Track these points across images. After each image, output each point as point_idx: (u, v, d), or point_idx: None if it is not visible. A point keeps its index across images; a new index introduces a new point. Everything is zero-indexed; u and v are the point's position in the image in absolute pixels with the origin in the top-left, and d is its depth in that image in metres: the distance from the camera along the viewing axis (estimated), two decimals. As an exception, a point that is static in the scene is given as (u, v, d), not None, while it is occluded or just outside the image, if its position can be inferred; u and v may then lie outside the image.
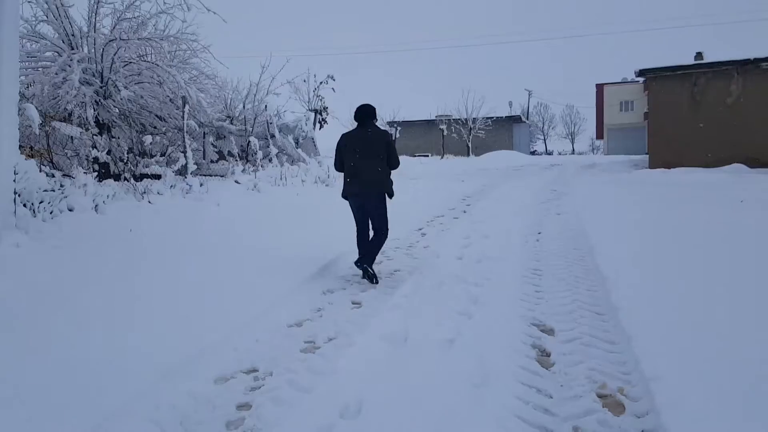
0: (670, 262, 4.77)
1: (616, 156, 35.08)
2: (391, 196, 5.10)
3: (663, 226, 6.61)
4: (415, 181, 14.78)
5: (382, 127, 5.14)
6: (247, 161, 9.31)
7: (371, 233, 5.07)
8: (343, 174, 5.08)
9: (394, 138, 23.71)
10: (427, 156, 34.34)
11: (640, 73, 17.42)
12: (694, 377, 2.58)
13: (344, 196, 5.11)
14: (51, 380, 2.71)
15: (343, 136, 5.16)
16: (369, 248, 4.98)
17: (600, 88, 40.85)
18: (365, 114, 5.07)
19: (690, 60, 18.37)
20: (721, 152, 15.71)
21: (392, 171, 5.08)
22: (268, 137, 9.91)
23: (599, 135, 43.45)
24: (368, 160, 4.93)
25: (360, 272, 4.97)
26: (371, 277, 4.83)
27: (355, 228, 5.13)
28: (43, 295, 3.70)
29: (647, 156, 18.76)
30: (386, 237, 5.08)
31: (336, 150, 5.12)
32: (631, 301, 3.73)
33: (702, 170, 14.85)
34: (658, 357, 2.82)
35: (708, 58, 18.06)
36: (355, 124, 5.19)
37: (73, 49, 6.83)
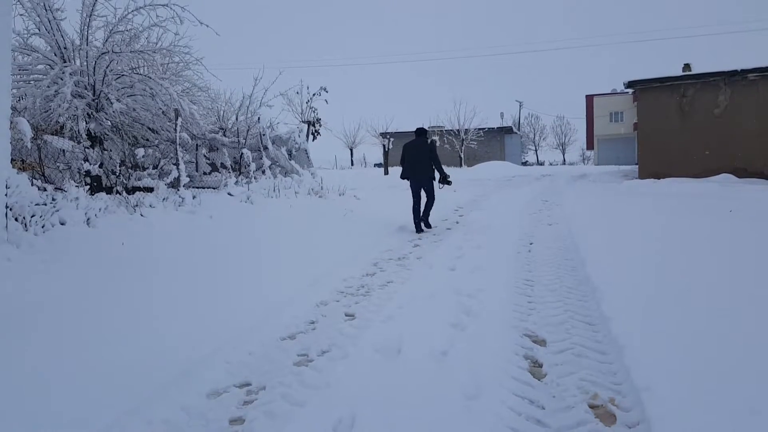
0: (661, 272, 4.82)
1: (606, 166, 35.40)
2: (443, 181, 8.50)
3: (653, 235, 6.67)
4: (408, 192, 14.81)
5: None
6: (240, 173, 9.30)
7: (420, 208, 8.51)
8: (404, 165, 8.55)
9: (388, 149, 24.31)
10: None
11: (629, 84, 17.63)
12: (685, 387, 2.61)
13: (404, 177, 8.58)
14: (40, 397, 2.69)
15: (407, 144, 8.59)
16: (424, 211, 8.48)
17: (590, 99, 41.26)
18: (420, 132, 8.60)
19: (678, 71, 18.60)
20: (709, 162, 15.89)
21: (440, 167, 8.41)
22: (261, 149, 9.92)
23: (590, 145, 43.82)
24: (419, 160, 8.35)
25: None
26: (428, 226, 8.51)
27: (412, 201, 8.48)
28: (34, 309, 3.67)
29: (637, 166, 18.94)
30: (433, 202, 8.56)
31: (403, 150, 8.61)
32: (622, 311, 3.77)
33: (691, 180, 15.01)
34: (649, 367, 2.85)
35: (696, 70, 18.31)
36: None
37: (65, 62, 6.82)
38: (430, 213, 8.60)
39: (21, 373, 2.89)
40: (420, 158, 8.36)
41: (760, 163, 15.48)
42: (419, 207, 8.45)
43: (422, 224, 8.41)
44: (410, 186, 8.53)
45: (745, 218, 7.68)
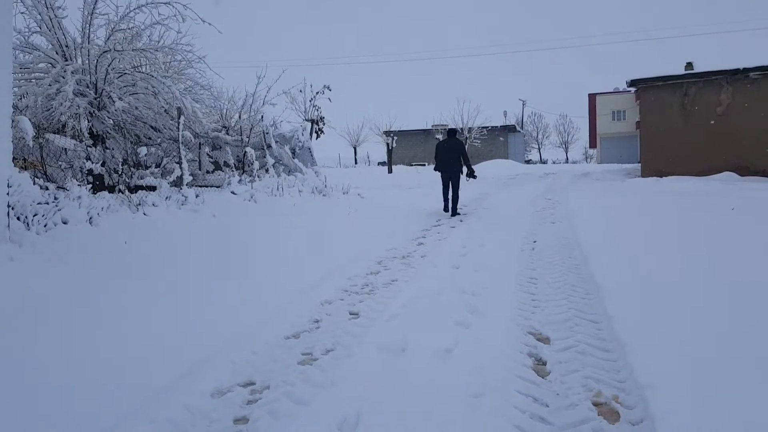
0: (664, 270, 4.79)
1: (609, 165, 35.37)
2: (470, 176, 10.40)
3: (656, 234, 6.65)
4: (412, 191, 14.82)
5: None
6: (244, 172, 9.29)
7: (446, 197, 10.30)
8: (437, 159, 10.24)
9: (392, 147, 24.40)
10: (424, 165, 34.36)
11: (632, 83, 17.58)
12: (689, 385, 2.59)
13: (437, 170, 10.24)
14: (42, 396, 2.69)
15: (439, 142, 10.35)
16: (452, 202, 10.06)
17: (592, 97, 41.18)
18: (452, 132, 10.35)
19: (680, 70, 18.53)
20: (711, 161, 15.84)
21: (468, 163, 10.12)
22: (265, 147, 9.90)
23: (592, 144, 43.76)
24: (450, 156, 10.04)
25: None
26: (455, 213, 9.97)
27: (442, 189, 10.26)
28: (37, 308, 3.67)
29: (639, 165, 18.89)
30: (458, 195, 10.13)
31: (436, 148, 10.34)
32: (625, 309, 3.75)
33: (693, 179, 14.97)
34: (653, 365, 2.83)
35: (698, 68, 18.23)
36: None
37: (66, 60, 6.81)
38: (458, 203, 10.23)
39: (23, 373, 2.89)
40: (451, 155, 10.01)
41: (762, 161, 15.43)
42: (448, 193, 10.14)
43: (452, 210, 10.03)
44: (441, 177, 10.18)
45: (748, 215, 7.64)
